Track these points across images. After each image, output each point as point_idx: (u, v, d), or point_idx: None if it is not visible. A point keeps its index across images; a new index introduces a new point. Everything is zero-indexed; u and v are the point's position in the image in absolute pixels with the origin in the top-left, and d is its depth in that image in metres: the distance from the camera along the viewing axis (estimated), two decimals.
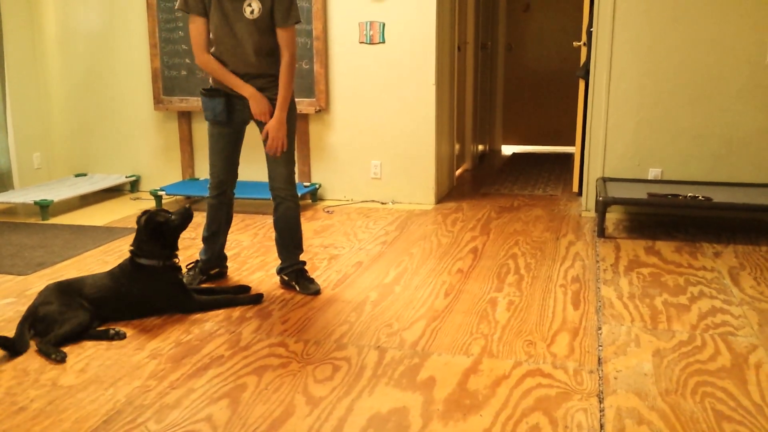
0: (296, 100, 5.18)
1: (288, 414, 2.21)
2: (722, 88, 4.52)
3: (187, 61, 5.33)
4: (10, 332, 2.76)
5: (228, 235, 3.57)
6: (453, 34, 5.56)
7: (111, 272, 3.03)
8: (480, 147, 7.29)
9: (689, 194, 4.25)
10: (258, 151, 5.41)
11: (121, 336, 2.79)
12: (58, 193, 5.05)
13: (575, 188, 5.52)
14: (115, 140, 5.74)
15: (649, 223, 4.59)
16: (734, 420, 2.14)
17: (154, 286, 3.00)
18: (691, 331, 2.81)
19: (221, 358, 2.62)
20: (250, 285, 3.37)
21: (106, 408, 2.26)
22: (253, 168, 5.47)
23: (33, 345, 2.73)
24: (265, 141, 3.20)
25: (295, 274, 3.36)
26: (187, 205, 3.09)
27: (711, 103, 4.55)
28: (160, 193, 5.12)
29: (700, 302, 3.14)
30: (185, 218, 3.05)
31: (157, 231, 2.98)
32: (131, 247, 3.01)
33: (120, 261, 3.10)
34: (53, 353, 2.61)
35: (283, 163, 3.25)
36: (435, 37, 4.92)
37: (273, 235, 3.43)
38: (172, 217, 3.02)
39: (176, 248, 3.06)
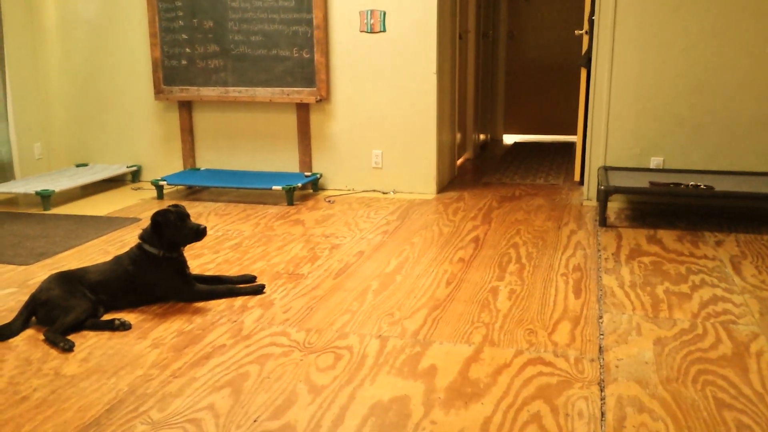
0: (296, 89, 5.21)
1: (290, 402, 2.22)
2: (724, 77, 4.50)
3: (188, 50, 5.32)
4: None
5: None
6: (454, 23, 5.54)
7: (117, 256, 3.09)
8: (481, 136, 7.27)
9: (691, 183, 4.24)
10: (259, 141, 5.42)
11: (126, 326, 2.79)
12: (59, 183, 5.05)
13: (577, 177, 5.51)
14: (115, 130, 5.73)
15: (650, 211, 4.58)
16: (735, 408, 2.15)
17: (155, 272, 3.02)
18: (693, 320, 2.81)
19: (223, 347, 2.62)
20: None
21: (108, 397, 2.27)
22: (253, 158, 5.47)
23: (39, 335, 2.74)
24: None
25: None
26: (202, 227, 3.06)
27: (713, 91, 4.54)
28: (161, 183, 5.12)
29: (701, 291, 3.14)
30: (194, 233, 3.04)
31: (157, 226, 3.00)
32: (140, 232, 3.05)
33: (121, 251, 3.11)
34: (61, 342, 2.62)
35: None
36: (436, 26, 4.90)
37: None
38: (185, 224, 3.03)
39: (176, 248, 3.07)
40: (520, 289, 3.18)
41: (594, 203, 4.80)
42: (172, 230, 3.00)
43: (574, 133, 6.77)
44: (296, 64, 5.13)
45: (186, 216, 3.06)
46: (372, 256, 3.71)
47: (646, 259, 3.59)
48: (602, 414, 2.12)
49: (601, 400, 2.20)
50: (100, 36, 5.58)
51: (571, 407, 2.16)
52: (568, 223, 4.32)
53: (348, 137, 5.23)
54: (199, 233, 3.05)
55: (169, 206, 3.07)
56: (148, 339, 2.71)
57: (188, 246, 3.76)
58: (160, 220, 2.99)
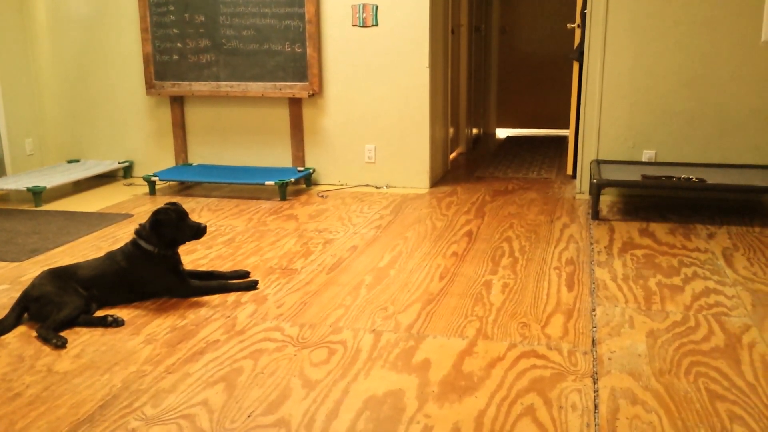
0: (289, 84, 5.19)
1: (284, 397, 2.22)
2: (716, 70, 4.51)
3: (179, 45, 5.29)
4: None
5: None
6: (447, 17, 5.53)
7: (110, 252, 3.08)
8: (474, 130, 7.28)
9: (683, 176, 4.25)
10: (252, 136, 5.40)
11: (119, 322, 2.79)
12: (51, 179, 5.02)
13: (569, 171, 5.52)
14: (107, 126, 5.71)
15: (643, 205, 4.59)
16: (728, 399, 2.16)
17: (149, 268, 3.01)
18: (685, 312, 2.82)
19: (217, 343, 2.62)
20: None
21: (101, 393, 2.26)
22: (246, 153, 5.45)
23: (31, 331, 2.73)
24: None
25: None
26: (203, 225, 3.08)
27: (705, 84, 4.55)
28: (153, 178, 5.10)
29: (693, 283, 3.15)
30: (194, 232, 3.05)
31: (158, 224, 3.00)
32: (137, 227, 3.04)
33: (113, 247, 3.10)
34: (53, 338, 2.61)
35: None
36: (428, 20, 4.89)
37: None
38: (185, 222, 3.03)
39: (174, 247, 3.07)
40: (513, 283, 3.19)
41: (586, 197, 4.81)
42: (172, 228, 3.00)
43: (567, 126, 6.78)
44: (288, 58, 5.11)
45: (185, 214, 3.06)
46: (365, 250, 3.71)
47: (638, 252, 3.60)
48: (595, 406, 2.13)
49: (595, 392, 2.21)
50: (91, 31, 5.55)
51: (565, 400, 2.17)
52: (561, 216, 4.33)
53: (341, 132, 5.23)
54: (198, 232, 3.06)
55: (167, 204, 3.06)
56: (141, 335, 2.70)
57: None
58: (161, 218, 2.98)
